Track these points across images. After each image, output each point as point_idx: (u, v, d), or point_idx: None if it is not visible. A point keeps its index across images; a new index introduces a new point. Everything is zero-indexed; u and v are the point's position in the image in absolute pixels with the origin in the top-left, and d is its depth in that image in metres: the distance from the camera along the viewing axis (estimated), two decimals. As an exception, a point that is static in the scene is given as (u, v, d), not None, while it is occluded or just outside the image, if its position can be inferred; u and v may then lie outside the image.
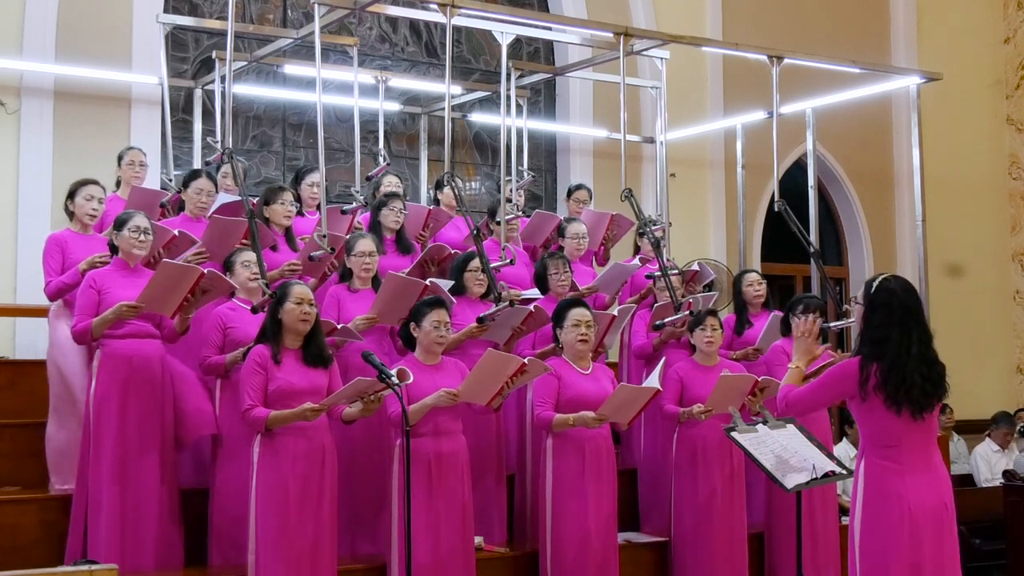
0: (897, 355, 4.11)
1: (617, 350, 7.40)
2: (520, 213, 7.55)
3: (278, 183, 7.62)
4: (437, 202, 7.45)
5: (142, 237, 5.47)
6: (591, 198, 8.23)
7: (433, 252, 6.52)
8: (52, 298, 5.84)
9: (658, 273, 6.82)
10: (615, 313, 6.39)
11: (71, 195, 5.96)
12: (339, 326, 5.57)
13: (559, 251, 6.94)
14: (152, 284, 5.18)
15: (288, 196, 6.36)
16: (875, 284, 4.25)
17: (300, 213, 6.70)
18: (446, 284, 6.08)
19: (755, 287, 7.09)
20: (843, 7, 11.28)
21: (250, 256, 5.60)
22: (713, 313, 6.35)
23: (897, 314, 4.16)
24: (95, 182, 6.01)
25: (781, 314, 6.89)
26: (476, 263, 6.14)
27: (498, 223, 6.79)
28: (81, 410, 5.54)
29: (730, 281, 7.83)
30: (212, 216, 6.15)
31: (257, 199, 6.53)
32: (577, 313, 5.74)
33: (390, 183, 7.32)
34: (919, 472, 4.17)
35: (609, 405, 5.51)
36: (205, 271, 5.25)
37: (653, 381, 5.63)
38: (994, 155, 12.26)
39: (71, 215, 5.97)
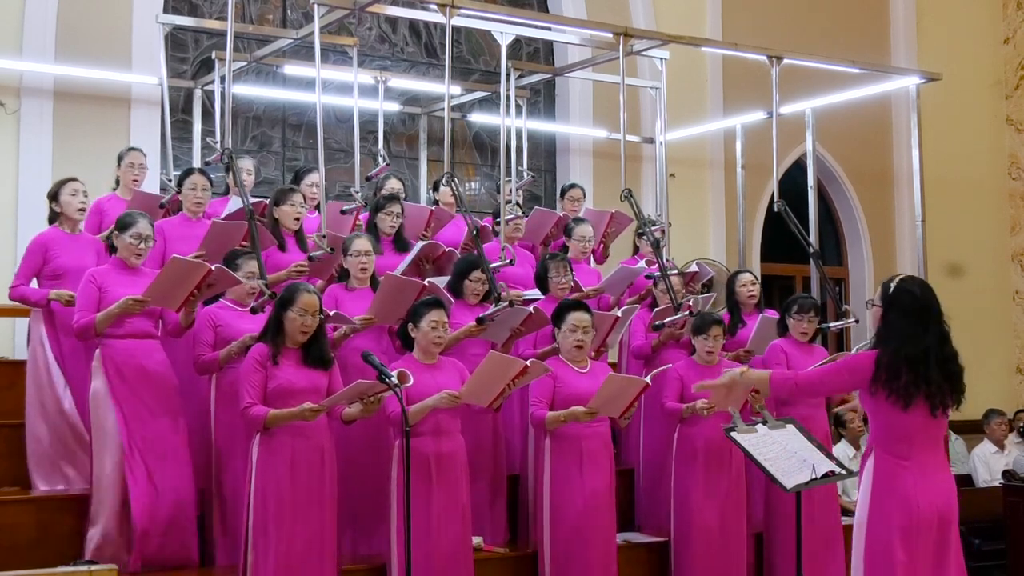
0: (916, 354, 4.14)
1: (616, 350, 7.39)
2: (521, 213, 7.56)
3: (285, 184, 7.61)
4: (436, 203, 7.45)
5: (142, 245, 5.48)
6: (585, 196, 8.23)
7: (427, 250, 6.51)
8: (12, 299, 5.90)
9: (658, 274, 6.82)
10: (618, 314, 6.39)
11: (54, 197, 5.96)
12: (332, 312, 5.57)
13: (562, 252, 6.93)
14: (160, 279, 5.19)
15: (298, 197, 6.36)
16: (893, 285, 4.30)
17: (302, 213, 6.70)
18: (443, 281, 6.07)
19: (749, 288, 7.09)
20: (843, 7, 11.28)
21: (254, 268, 5.58)
22: (718, 321, 6.34)
23: (914, 312, 4.20)
24: (74, 179, 6.02)
25: (771, 314, 6.90)
26: (477, 274, 6.13)
27: (501, 223, 6.81)
28: (67, 407, 5.56)
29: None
30: (213, 221, 6.13)
31: (266, 200, 6.54)
32: (575, 317, 5.73)
33: (392, 188, 7.30)
34: (928, 470, 4.19)
35: (599, 397, 5.51)
36: (213, 267, 5.25)
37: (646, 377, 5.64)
38: (994, 155, 12.26)
39: (56, 216, 5.97)
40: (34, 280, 5.95)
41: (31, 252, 5.87)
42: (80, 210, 5.93)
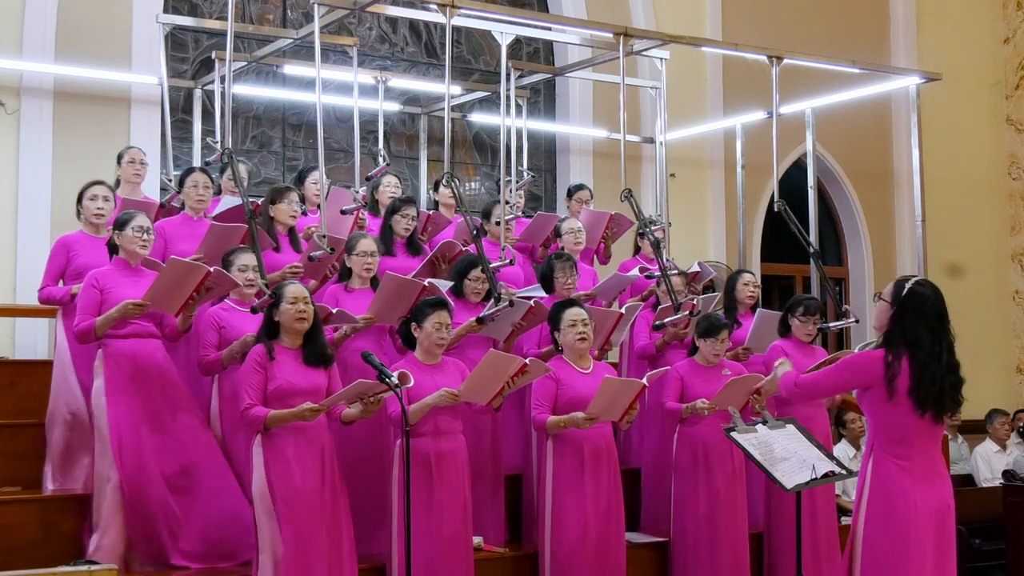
0: (929, 360, 4.16)
1: (617, 350, 7.39)
2: (519, 214, 7.56)
3: (284, 183, 7.61)
4: (436, 203, 7.46)
5: (145, 236, 5.48)
6: (592, 197, 8.22)
7: (445, 249, 6.50)
8: (41, 303, 5.90)
9: (658, 274, 6.82)
10: (622, 311, 6.40)
11: (79, 199, 5.98)
12: (335, 311, 5.57)
13: (562, 252, 6.92)
14: (158, 282, 5.18)
15: (294, 196, 6.36)
16: (907, 286, 4.30)
17: (303, 212, 6.69)
18: (444, 285, 6.07)
19: (750, 288, 7.08)
20: (843, 7, 11.28)
21: (247, 260, 5.58)
22: (727, 326, 6.34)
23: (930, 319, 4.22)
24: (101, 182, 6.03)
25: (768, 312, 6.89)
26: (476, 273, 6.13)
27: (496, 223, 6.81)
28: (83, 407, 5.56)
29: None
30: (211, 223, 6.13)
31: (261, 199, 6.53)
32: (572, 313, 5.73)
33: (389, 183, 7.32)
34: (926, 471, 4.21)
35: (597, 402, 5.49)
36: (211, 269, 5.25)
37: (643, 379, 5.63)
38: (994, 155, 12.26)
39: (83, 218, 6.00)
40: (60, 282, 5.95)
41: (55, 253, 5.89)
42: (97, 215, 5.92)
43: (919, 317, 4.22)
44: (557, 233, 7.23)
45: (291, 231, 6.32)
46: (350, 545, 5.05)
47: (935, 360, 4.17)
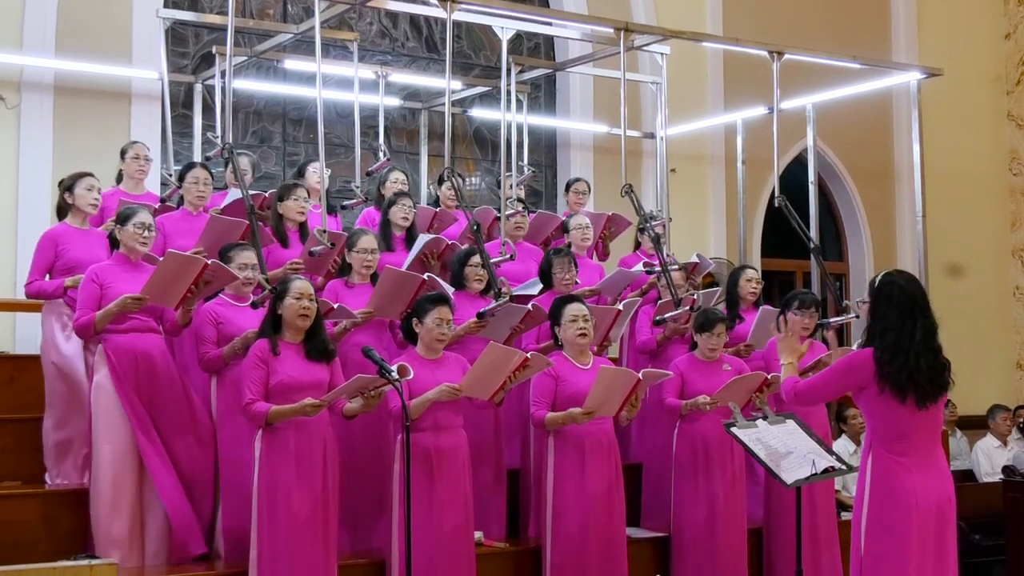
0: (899, 341, 4.15)
1: (617, 345, 7.39)
2: (523, 209, 7.55)
3: (286, 179, 7.61)
4: (437, 199, 7.46)
5: (146, 233, 5.47)
6: (590, 190, 8.23)
7: (432, 245, 6.51)
8: (29, 297, 5.90)
9: (659, 269, 6.82)
10: (620, 308, 6.39)
11: (68, 188, 5.95)
12: (335, 305, 5.58)
13: (566, 247, 6.92)
14: (156, 275, 5.18)
15: (302, 192, 6.36)
16: (879, 279, 4.32)
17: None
18: (449, 291, 6.07)
19: (752, 283, 7.07)
20: (844, 2, 11.27)
21: (246, 259, 5.57)
22: (723, 320, 6.34)
23: (899, 303, 4.21)
24: (91, 174, 6.01)
25: (771, 308, 6.88)
26: (477, 259, 6.14)
27: (506, 218, 6.81)
28: (81, 403, 5.55)
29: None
30: (211, 216, 6.13)
31: (268, 193, 6.51)
32: (573, 309, 5.73)
33: (396, 180, 7.32)
34: (925, 466, 4.21)
35: (593, 393, 5.47)
36: (209, 262, 5.25)
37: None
38: (994, 151, 12.25)
39: (67, 208, 5.96)
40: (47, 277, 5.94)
41: (42, 247, 5.86)
42: (92, 205, 5.93)
43: (889, 303, 4.23)
44: (565, 229, 7.24)
45: (301, 227, 6.32)
46: (334, 541, 5.06)
47: (908, 339, 4.15)
